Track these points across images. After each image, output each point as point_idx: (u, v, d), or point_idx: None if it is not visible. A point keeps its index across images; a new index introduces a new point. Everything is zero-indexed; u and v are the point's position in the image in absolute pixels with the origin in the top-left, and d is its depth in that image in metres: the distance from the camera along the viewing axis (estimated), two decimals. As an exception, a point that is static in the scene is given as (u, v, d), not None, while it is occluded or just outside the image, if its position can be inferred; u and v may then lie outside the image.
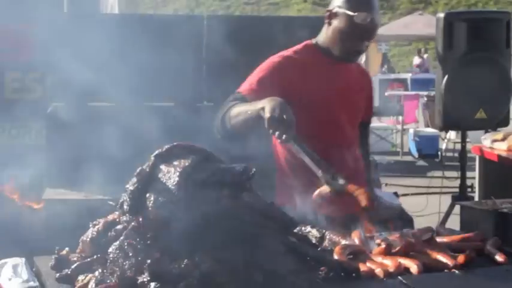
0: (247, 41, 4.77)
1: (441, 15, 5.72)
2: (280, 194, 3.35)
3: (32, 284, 2.26)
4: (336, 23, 3.28)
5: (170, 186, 2.28)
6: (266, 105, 2.87)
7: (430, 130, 12.80)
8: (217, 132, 3.22)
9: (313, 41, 3.41)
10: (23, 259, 2.43)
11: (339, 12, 3.26)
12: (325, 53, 3.35)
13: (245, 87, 3.25)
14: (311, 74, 3.31)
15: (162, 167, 2.34)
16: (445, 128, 6.68)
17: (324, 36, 3.36)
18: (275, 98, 2.91)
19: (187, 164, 2.33)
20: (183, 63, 4.90)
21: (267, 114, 2.84)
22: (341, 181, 2.86)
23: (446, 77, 5.55)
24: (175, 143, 2.41)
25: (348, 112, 3.40)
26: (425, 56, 23.84)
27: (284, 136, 2.85)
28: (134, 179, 2.33)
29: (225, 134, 3.18)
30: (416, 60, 23.88)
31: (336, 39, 3.30)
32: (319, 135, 3.23)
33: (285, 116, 2.83)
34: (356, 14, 3.21)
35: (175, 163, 2.33)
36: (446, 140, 12.17)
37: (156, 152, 2.38)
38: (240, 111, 3.07)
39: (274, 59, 3.33)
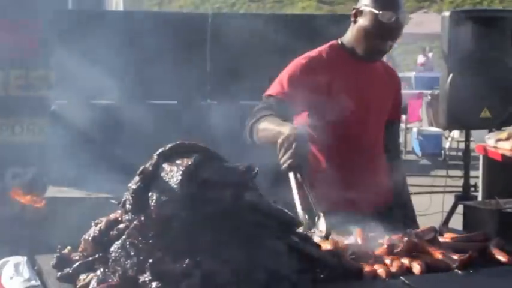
0: (252, 38, 4.76)
1: (447, 13, 5.71)
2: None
3: (33, 283, 2.26)
4: (361, 21, 3.28)
5: (173, 185, 2.27)
6: (286, 131, 2.86)
7: (434, 129, 12.79)
8: (245, 137, 3.24)
9: (339, 40, 3.41)
10: (25, 258, 2.43)
11: (365, 11, 3.25)
12: (350, 52, 3.36)
13: (276, 89, 3.25)
14: (336, 74, 3.31)
15: (165, 165, 2.33)
16: (449, 127, 6.70)
17: (349, 35, 3.36)
18: (298, 126, 2.93)
19: (190, 162, 2.32)
20: (187, 61, 4.89)
21: (279, 140, 2.84)
22: (321, 226, 2.78)
23: (451, 75, 5.54)
24: (178, 142, 2.40)
25: (373, 111, 3.39)
26: (429, 54, 23.79)
27: (288, 163, 2.81)
28: (137, 178, 2.32)
29: (251, 142, 3.21)
30: (421, 58, 23.84)
31: (360, 37, 3.30)
32: (344, 133, 3.25)
33: (294, 145, 2.79)
34: (381, 12, 3.20)
35: (178, 162, 2.33)
36: (450, 139, 12.16)
37: (159, 150, 2.37)
38: (266, 127, 3.08)
39: (300, 60, 3.33)
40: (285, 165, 2.80)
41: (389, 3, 3.22)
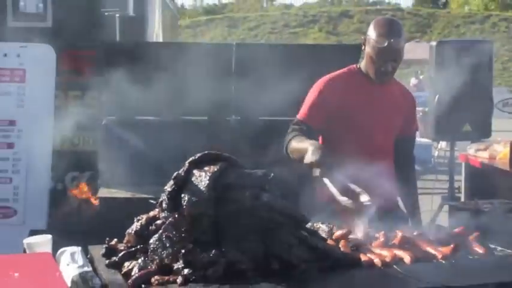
0: (269, 64, 4.75)
1: (434, 43, 5.68)
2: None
3: (86, 269, 2.26)
4: (367, 48, 3.30)
5: (201, 188, 2.28)
6: (308, 152, 2.98)
7: (425, 140, 12.66)
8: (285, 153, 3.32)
9: (357, 65, 3.43)
10: (79, 248, 2.44)
11: (367, 39, 3.29)
12: (365, 75, 3.36)
13: (301, 112, 3.36)
14: (352, 94, 3.33)
15: (195, 171, 2.34)
16: (437, 138, 6.63)
17: (363, 60, 3.39)
18: (314, 143, 3.03)
19: (216, 169, 2.33)
20: (215, 84, 4.89)
21: (305, 161, 2.97)
22: (364, 197, 2.83)
23: (437, 95, 5.50)
24: (206, 152, 2.40)
25: (382, 127, 3.37)
26: (421, 77, 23.63)
27: (319, 174, 2.94)
28: (171, 182, 2.33)
29: (290, 160, 3.29)
30: (414, 80, 23.68)
31: (367, 62, 3.33)
32: (356, 144, 3.24)
33: (320, 156, 2.92)
34: (377, 38, 3.23)
35: (206, 168, 2.33)
36: (438, 149, 12.07)
37: (190, 159, 2.37)
38: (295, 148, 3.21)
39: (320, 82, 3.38)
40: (318, 175, 2.93)
41: (384, 31, 3.23)
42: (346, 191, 2.88)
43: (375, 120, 3.33)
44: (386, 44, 3.20)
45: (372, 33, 3.27)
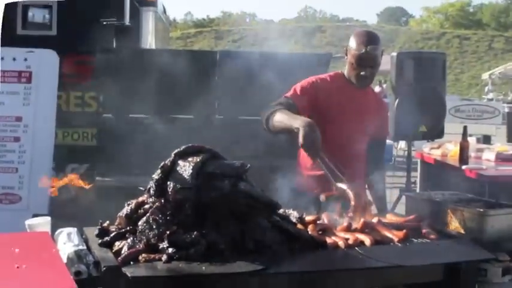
0: (248, 70, 4.73)
1: (394, 54, 5.69)
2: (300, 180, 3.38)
3: (80, 247, 2.23)
4: (348, 56, 3.31)
5: (185, 176, 2.26)
6: (300, 128, 2.85)
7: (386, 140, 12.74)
8: (263, 125, 3.19)
9: (342, 71, 3.42)
10: (75, 229, 2.41)
11: (348, 48, 3.31)
12: (348, 80, 3.36)
13: (290, 93, 3.27)
14: (335, 95, 3.31)
15: (180, 161, 2.32)
16: (397, 139, 6.65)
17: (346, 68, 3.38)
18: (307, 121, 2.90)
19: (198, 160, 2.31)
20: (201, 86, 4.87)
21: (300, 140, 2.83)
22: (343, 186, 2.80)
23: (397, 100, 5.52)
24: (189, 144, 2.39)
25: (358, 126, 3.34)
26: (384, 85, 23.75)
27: (311, 155, 2.86)
28: (158, 171, 2.31)
29: (267, 129, 3.17)
30: (378, 88, 23.76)
31: (349, 68, 3.33)
32: (335, 139, 3.19)
33: (313, 141, 2.82)
34: (356, 46, 3.24)
35: (190, 159, 2.32)
36: (398, 148, 12.14)
37: (176, 150, 2.36)
38: (281, 119, 3.05)
39: (312, 78, 3.35)
40: (311, 156, 2.85)
41: (362, 40, 3.25)
42: (333, 175, 2.87)
43: (352, 119, 3.33)
44: (363, 51, 3.22)
45: (352, 43, 3.29)
